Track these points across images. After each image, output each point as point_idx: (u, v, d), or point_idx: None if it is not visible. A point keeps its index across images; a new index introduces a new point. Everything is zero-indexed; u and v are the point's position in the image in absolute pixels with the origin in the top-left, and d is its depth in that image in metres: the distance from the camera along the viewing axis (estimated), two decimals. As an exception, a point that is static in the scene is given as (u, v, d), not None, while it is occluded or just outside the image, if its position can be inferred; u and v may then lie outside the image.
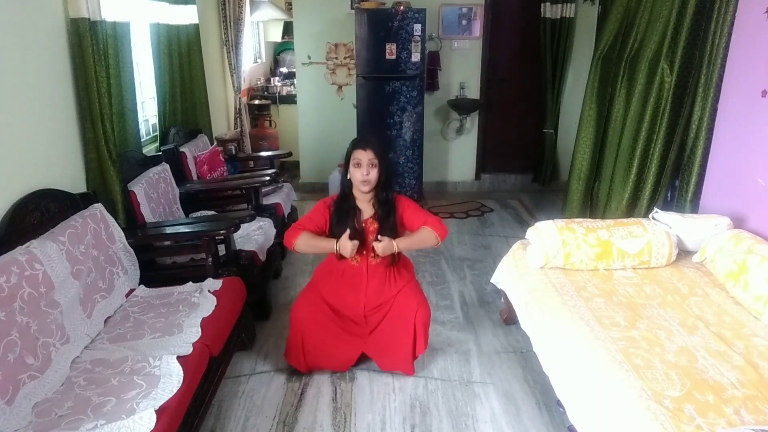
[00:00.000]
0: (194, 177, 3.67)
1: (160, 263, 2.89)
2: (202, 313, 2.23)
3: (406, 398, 2.42)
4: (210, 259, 2.61)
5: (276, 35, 7.34)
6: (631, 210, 3.40)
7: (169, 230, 2.80)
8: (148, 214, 2.88)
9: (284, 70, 7.17)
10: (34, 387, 1.77)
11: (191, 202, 3.50)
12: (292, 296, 3.27)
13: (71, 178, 2.52)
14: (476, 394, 2.45)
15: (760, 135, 2.60)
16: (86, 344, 2.07)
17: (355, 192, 2.44)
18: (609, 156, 3.57)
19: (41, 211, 2.18)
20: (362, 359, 2.61)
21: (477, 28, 5.12)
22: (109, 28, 2.72)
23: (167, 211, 3.13)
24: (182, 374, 1.83)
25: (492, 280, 3.03)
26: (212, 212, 3.47)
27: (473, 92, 5.27)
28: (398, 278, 2.51)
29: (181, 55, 3.78)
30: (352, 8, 4.90)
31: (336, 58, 5.19)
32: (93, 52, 2.50)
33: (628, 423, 1.64)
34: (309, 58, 5.19)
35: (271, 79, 6.90)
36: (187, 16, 3.85)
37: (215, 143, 4.37)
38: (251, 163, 4.68)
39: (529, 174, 5.55)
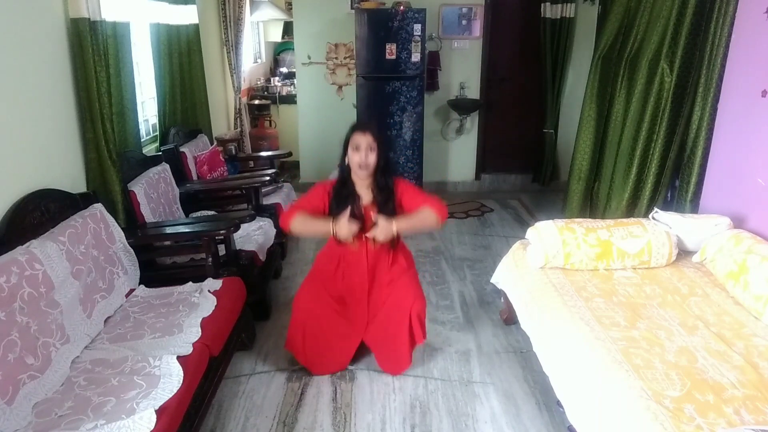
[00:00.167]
0: (194, 177, 3.67)
1: (160, 263, 2.89)
2: (202, 313, 2.23)
3: (406, 398, 2.43)
4: (210, 259, 2.61)
5: (276, 35, 7.34)
6: (631, 210, 3.40)
7: (169, 230, 2.80)
8: (148, 214, 2.88)
9: (284, 70, 7.17)
10: (34, 387, 1.77)
11: (191, 202, 3.50)
12: (292, 296, 3.25)
13: (71, 178, 2.52)
14: (476, 394, 2.45)
15: (760, 135, 2.60)
16: (86, 344, 2.07)
17: (354, 177, 2.42)
18: (609, 156, 3.56)
19: (41, 211, 2.18)
20: (361, 355, 2.62)
21: (477, 28, 5.12)
22: (109, 28, 2.72)
23: (167, 211, 3.13)
24: (182, 374, 1.83)
25: (492, 280, 3.03)
26: (212, 212, 3.47)
27: (473, 92, 5.28)
28: (398, 263, 2.52)
29: (181, 55, 3.78)
30: (352, 8, 4.90)
31: (336, 58, 5.19)
32: (93, 52, 2.50)
33: (628, 423, 1.64)
34: (309, 58, 5.19)
35: (271, 79, 6.90)
36: (187, 16, 3.86)
37: (215, 143, 4.37)
38: (251, 163, 4.68)
39: (529, 174, 5.55)
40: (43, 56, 2.34)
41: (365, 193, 2.45)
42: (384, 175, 2.41)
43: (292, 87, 6.57)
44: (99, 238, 2.38)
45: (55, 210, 2.26)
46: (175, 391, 1.75)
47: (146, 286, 2.54)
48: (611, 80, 3.54)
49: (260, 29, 7.03)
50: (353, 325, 2.52)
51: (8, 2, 2.09)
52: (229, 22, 5.08)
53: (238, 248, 2.85)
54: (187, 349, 1.98)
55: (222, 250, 2.74)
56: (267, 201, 3.71)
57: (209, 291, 2.41)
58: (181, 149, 3.60)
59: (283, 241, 3.74)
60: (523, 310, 2.53)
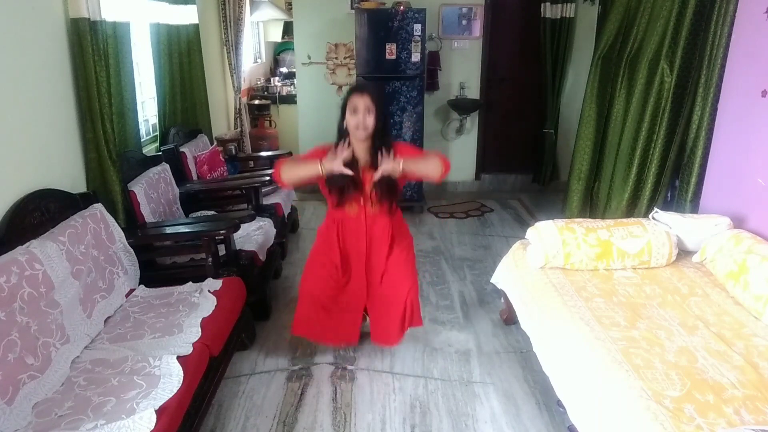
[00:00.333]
0: (194, 177, 3.67)
1: (160, 263, 2.89)
2: (202, 313, 2.23)
3: (406, 398, 2.43)
4: (210, 259, 2.61)
5: (276, 35, 7.34)
6: (631, 210, 3.40)
7: (169, 230, 2.80)
8: (148, 214, 2.88)
9: (284, 70, 7.17)
10: (34, 387, 1.77)
11: (191, 202, 3.50)
12: (292, 296, 3.27)
13: (71, 178, 2.52)
14: (476, 394, 2.45)
15: (760, 135, 2.60)
16: (86, 344, 2.08)
17: (352, 140, 2.39)
18: (609, 156, 3.56)
19: (41, 211, 2.18)
20: (361, 355, 2.61)
21: (477, 28, 5.12)
22: (109, 28, 2.72)
23: (167, 211, 3.13)
24: (182, 374, 1.83)
25: (492, 280, 3.03)
26: (212, 212, 3.47)
27: (473, 92, 5.27)
28: (398, 233, 2.55)
29: (181, 55, 3.78)
30: (352, 8, 4.90)
31: (336, 58, 5.19)
32: (93, 52, 2.50)
33: (628, 423, 1.64)
34: (309, 58, 5.19)
35: (271, 79, 6.91)
36: (187, 16, 3.86)
37: (215, 143, 4.37)
38: (251, 163, 4.67)
39: (529, 174, 5.54)
40: (43, 56, 2.34)
41: (363, 156, 2.43)
42: (382, 139, 2.38)
43: (292, 87, 6.58)
44: (99, 238, 2.38)
45: (55, 210, 2.26)
46: (175, 391, 1.76)
47: (146, 286, 2.54)
48: (611, 80, 3.54)
49: (260, 29, 7.04)
50: (355, 295, 2.59)
51: (8, 2, 2.09)
52: (229, 22, 5.08)
53: (238, 248, 2.85)
54: (187, 349, 1.98)
55: (222, 250, 2.74)
56: (267, 201, 3.71)
57: (209, 291, 2.41)
58: (181, 149, 3.60)
59: (283, 241, 3.74)
60: (523, 310, 2.53)
